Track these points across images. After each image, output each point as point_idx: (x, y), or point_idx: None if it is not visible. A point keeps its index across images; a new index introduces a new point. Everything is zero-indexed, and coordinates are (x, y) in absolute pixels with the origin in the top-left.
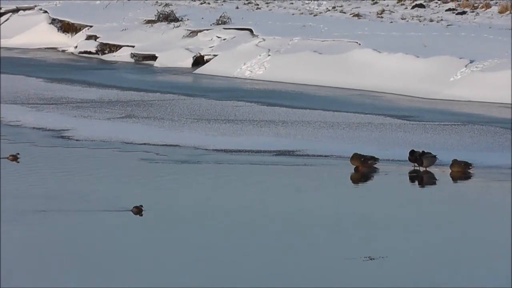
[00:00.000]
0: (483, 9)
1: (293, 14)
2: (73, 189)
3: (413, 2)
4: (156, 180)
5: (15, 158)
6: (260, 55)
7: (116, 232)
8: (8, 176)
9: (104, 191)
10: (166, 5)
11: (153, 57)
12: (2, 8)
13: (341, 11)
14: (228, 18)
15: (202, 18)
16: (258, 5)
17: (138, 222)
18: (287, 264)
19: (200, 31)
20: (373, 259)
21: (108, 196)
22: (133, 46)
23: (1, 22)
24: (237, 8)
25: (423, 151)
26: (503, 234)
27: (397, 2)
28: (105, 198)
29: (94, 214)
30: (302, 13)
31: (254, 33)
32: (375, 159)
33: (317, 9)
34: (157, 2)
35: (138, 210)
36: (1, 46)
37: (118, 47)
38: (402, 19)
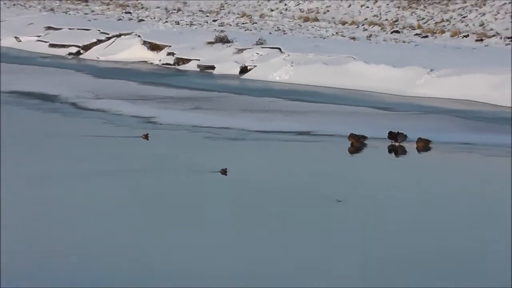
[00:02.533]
0: (440, 34)
1: (308, 37)
2: (173, 157)
3: (391, 29)
4: (216, 152)
5: (146, 136)
6: (286, 66)
7: (210, 188)
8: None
9: (189, 158)
10: (221, 31)
11: (213, 67)
12: (110, 34)
13: (342, 35)
14: (264, 40)
15: (246, 40)
16: (284, 31)
17: (226, 182)
18: (287, 199)
19: (245, 49)
20: (340, 201)
21: (184, 159)
22: (199, 60)
23: (109, 44)
24: (270, 33)
25: (398, 132)
26: (450, 193)
27: (380, 29)
28: (184, 161)
29: (193, 174)
30: (315, 37)
31: (282, 50)
32: (365, 138)
33: (325, 34)
34: (215, 29)
35: (224, 171)
36: (110, 60)
37: (188, 61)
38: (384, 41)
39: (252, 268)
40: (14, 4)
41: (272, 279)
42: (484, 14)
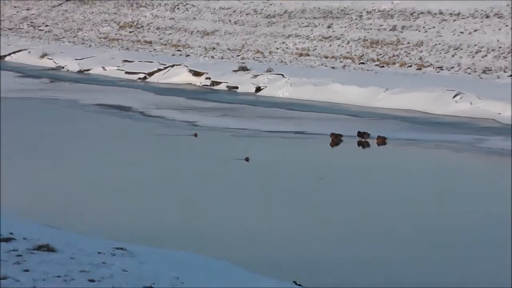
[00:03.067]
0: (392, 65)
1: (302, 67)
2: (208, 149)
3: (359, 61)
4: (240, 145)
5: (195, 135)
6: (287, 86)
7: (238, 170)
8: (188, 144)
9: (220, 149)
10: (243, 63)
11: (237, 87)
12: (166, 64)
13: (325, 65)
14: (271, 69)
15: (259, 69)
16: (286, 63)
17: (249, 167)
18: (282, 182)
19: (258, 75)
20: (322, 178)
21: (218, 150)
22: (227, 82)
23: (166, 71)
24: (276, 64)
25: (364, 131)
26: (400, 172)
27: (351, 62)
28: (218, 152)
29: (226, 160)
30: (306, 67)
31: (284, 76)
32: (341, 135)
33: (314, 65)
34: (238, 61)
35: (247, 159)
36: (166, 83)
37: (220, 83)
38: (354, 69)
39: (264, 219)
40: (102, 45)
41: (279, 226)
42: (422, 51)
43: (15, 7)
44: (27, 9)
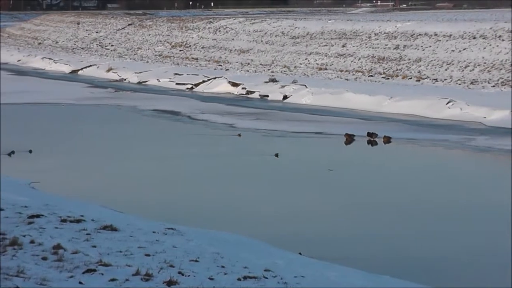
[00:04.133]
0: (395, 77)
1: (321, 79)
2: (243, 146)
3: (368, 74)
4: (270, 143)
5: (239, 135)
6: (309, 95)
7: (269, 164)
8: (232, 143)
9: (255, 147)
10: (272, 75)
11: (267, 96)
12: (210, 77)
13: (340, 78)
14: (296, 80)
15: (286, 81)
16: (308, 75)
17: (278, 161)
18: (294, 179)
19: (285, 85)
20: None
21: (252, 148)
22: (260, 91)
23: (209, 82)
24: (300, 76)
25: (372, 132)
26: (401, 164)
27: (362, 74)
28: (252, 149)
29: (260, 155)
30: (325, 79)
31: (306, 86)
32: (354, 135)
33: (331, 77)
34: (268, 74)
35: (276, 155)
36: (209, 92)
37: (253, 92)
38: (364, 81)
39: (291, 203)
40: (157, 61)
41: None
42: (420, 66)
43: (86, 30)
44: (97, 32)
